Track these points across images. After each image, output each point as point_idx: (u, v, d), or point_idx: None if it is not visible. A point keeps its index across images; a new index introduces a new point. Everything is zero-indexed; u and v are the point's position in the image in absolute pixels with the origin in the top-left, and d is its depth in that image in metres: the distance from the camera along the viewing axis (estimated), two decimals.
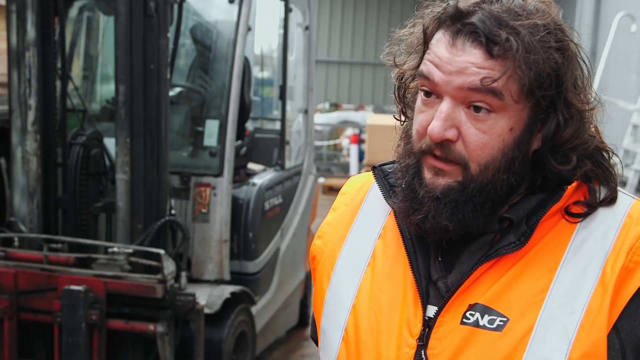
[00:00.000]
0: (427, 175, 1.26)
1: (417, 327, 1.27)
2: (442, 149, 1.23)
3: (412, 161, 1.29)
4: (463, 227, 1.25)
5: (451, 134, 1.22)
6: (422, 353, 1.25)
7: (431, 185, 1.25)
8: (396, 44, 1.38)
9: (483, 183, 1.24)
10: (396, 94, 1.39)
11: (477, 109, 1.21)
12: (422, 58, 1.27)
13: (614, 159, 1.33)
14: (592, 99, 1.28)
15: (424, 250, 1.31)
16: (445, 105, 1.22)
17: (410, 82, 1.36)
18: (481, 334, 1.21)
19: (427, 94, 1.26)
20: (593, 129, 1.29)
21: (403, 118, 1.39)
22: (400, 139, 1.38)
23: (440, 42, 1.24)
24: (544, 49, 1.21)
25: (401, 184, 1.30)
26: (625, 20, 8.62)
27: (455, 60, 1.21)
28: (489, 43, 1.19)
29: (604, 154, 1.30)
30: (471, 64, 1.20)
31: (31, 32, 4.24)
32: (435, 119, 1.23)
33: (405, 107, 1.38)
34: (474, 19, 1.21)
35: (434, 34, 1.26)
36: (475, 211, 1.24)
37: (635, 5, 9.06)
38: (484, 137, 1.22)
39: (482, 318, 1.22)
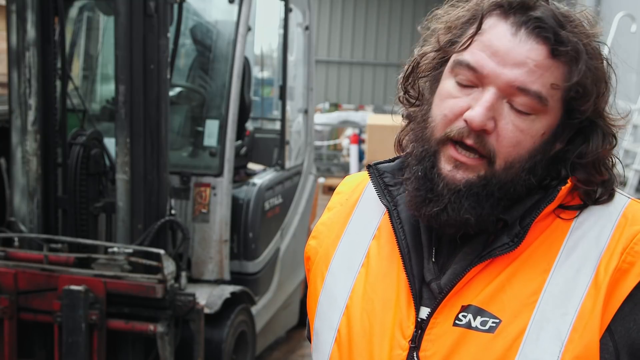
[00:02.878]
0: (446, 167, 1.22)
1: (410, 329, 1.25)
2: (475, 138, 1.19)
3: (432, 148, 1.24)
4: (481, 222, 1.22)
5: (490, 125, 1.19)
6: (415, 355, 1.24)
7: (450, 179, 1.21)
8: (428, 24, 1.32)
9: (505, 180, 1.21)
10: (408, 74, 1.33)
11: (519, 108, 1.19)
12: (469, 41, 1.21)
13: (617, 168, 1.31)
14: (621, 114, 1.28)
15: (418, 251, 1.29)
16: (490, 95, 1.18)
17: (427, 66, 1.30)
18: (473, 336, 1.20)
19: (463, 81, 1.22)
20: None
21: (410, 103, 1.34)
22: (409, 123, 1.33)
23: (497, 29, 1.20)
24: (600, 58, 1.21)
25: (417, 172, 1.25)
26: (625, 20, 8.62)
27: (515, 51, 1.17)
28: (556, 42, 1.17)
29: (609, 160, 1.29)
30: (531, 60, 1.17)
31: (31, 32, 4.24)
32: (479, 106, 1.18)
33: (419, 92, 1.32)
34: (540, 13, 1.18)
35: (485, 20, 1.22)
36: (493, 206, 1.21)
37: (635, 5, 9.06)
38: (520, 135, 1.19)
39: (474, 320, 1.21)
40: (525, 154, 1.21)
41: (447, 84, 1.24)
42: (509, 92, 1.18)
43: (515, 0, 1.20)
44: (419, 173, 1.25)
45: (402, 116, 1.36)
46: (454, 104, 1.22)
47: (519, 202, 1.25)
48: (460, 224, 1.22)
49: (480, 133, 1.19)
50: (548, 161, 1.25)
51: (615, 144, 1.26)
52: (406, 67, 1.35)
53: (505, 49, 1.18)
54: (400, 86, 1.35)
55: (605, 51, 1.26)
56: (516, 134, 1.19)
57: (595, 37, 1.21)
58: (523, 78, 1.17)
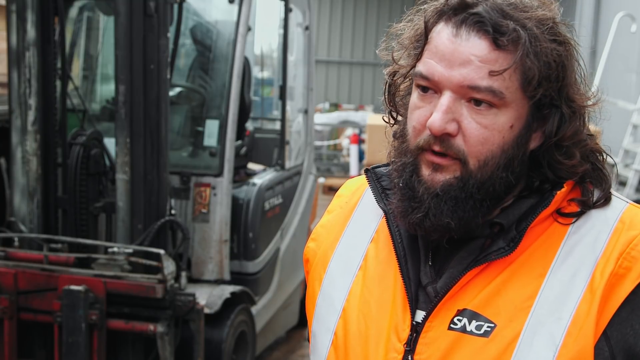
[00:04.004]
0: (425, 172, 1.23)
1: (405, 332, 1.25)
2: (441, 143, 1.20)
3: (409, 159, 1.26)
4: (464, 225, 1.22)
5: (452, 127, 1.19)
6: (410, 358, 1.24)
7: (430, 182, 1.22)
8: (393, 38, 1.34)
9: (482, 180, 1.21)
10: (386, 95, 1.36)
11: (478, 102, 1.19)
12: (420, 54, 1.24)
13: (610, 160, 1.31)
14: (592, 96, 1.26)
15: (415, 254, 1.29)
16: (445, 99, 1.20)
17: (401, 83, 1.33)
18: (468, 340, 1.20)
19: (424, 89, 1.23)
20: (589, 130, 1.28)
21: (392, 121, 1.36)
22: (393, 140, 1.34)
23: (441, 34, 1.21)
24: (549, 41, 1.19)
25: (398, 183, 1.27)
26: (625, 20, 8.62)
27: (458, 50, 1.18)
28: (495, 33, 1.17)
29: (599, 156, 1.29)
30: (475, 57, 1.17)
31: (31, 32, 4.24)
32: (435, 112, 1.20)
33: (396, 109, 1.35)
34: (479, 9, 1.18)
35: (433, 27, 1.23)
36: (475, 209, 1.22)
37: (635, 5, 9.06)
38: (485, 132, 1.20)
39: (469, 324, 1.21)
40: (496, 150, 1.21)
41: (413, 96, 1.26)
42: (462, 93, 1.19)
43: (453, 2, 1.21)
44: (400, 184, 1.26)
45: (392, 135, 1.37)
46: (419, 114, 1.24)
47: (511, 206, 1.25)
48: (443, 228, 1.22)
49: (445, 137, 1.20)
50: (529, 159, 1.25)
51: (581, 126, 1.24)
52: (384, 88, 1.37)
53: (450, 51, 1.19)
54: (384, 105, 1.38)
55: (570, 32, 1.25)
56: (481, 132, 1.20)
57: (545, 18, 1.20)
58: (471, 76, 1.17)
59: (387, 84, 1.35)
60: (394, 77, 1.34)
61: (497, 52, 1.17)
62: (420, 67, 1.23)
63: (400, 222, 1.29)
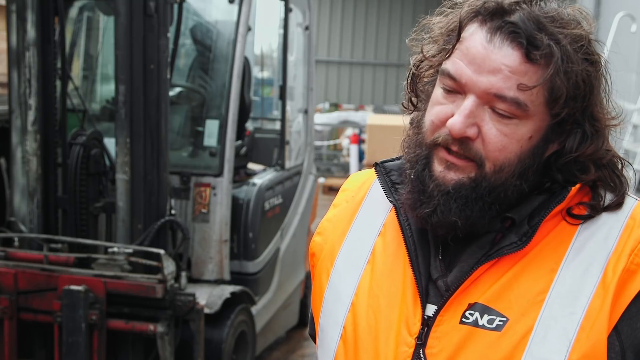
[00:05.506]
0: (438, 168, 1.24)
1: (416, 326, 1.26)
2: (459, 145, 1.21)
3: (423, 152, 1.26)
4: (470, 225, 1.23)
5: (472, 132, 1.20)
6: (421, 352, 1.24)
7: (441, 179, 1.23)
8: (424, 30, 1.34)
9: (495, 184, 1.22)
10: (409, 82, 1.36)
11: (501, 113, 1.20)
12: (450, 51, 1.23)
13: (628, 171, 1.31)
14: (615, 114, 1.27)
15: (425, 248, 1.30)
16: (469, 102, 1.20)
17: (426, 72, 1.33)
18: (480, 334, 1.21)
19: (448, 90, 1.23)
20: (609, 145, 1.28)
21: (412, 108, 1.36)
22: (409, 128, 1.35)
23: (475, 37, 1.21)
24: (581, 61, 1.19)
25: (410, 175, 1.28)
26: (625, 20, 8.61)
27: (490, 58, 1.18)
28: (529, 46, 1.17)
29: (617, 162, 1.29)
30: (505, 66, 1.17)
31: (31, 32, 4.24)
32: (457, 114, 1.20)
33: (417, 95, 1.35)
34: (515, 18, 1.18)
35: (466, 27, 1.23)
36: (483, 210, 1.22)
37: (635, 5, 9.06)
38: (504, 139, 1.20)
39: (481, 318, 1.21)
40: (513, 158, 1.21)
41: (436, 91, 1.26)
42: (487, 99, 1.20)
43: (491, 6, 1.21)
44: (412, 176, 1.27)
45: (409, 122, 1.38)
46: (439, 110, 1.24)
47: (523, 202, 1.26)
48: (449, 225, 1.23)
49: (464, 140, 1.21)
50: (542, 165, 1.26)
51: (602, 144, 1.25)
52: (406, 75, 1.38)
53: (481, 57, 1.19)
54: (404, 93, 1.38)
55: (601, 50, 1.25)
56: (501, 139, 1.20)
57: (580, 37, 1.20)
58: (499, 85, 1.18)
59: (411, 72, 1.35)
60: (418, 67, 1.34)
61: (528, 64, 1.18)
62: (449, 66, 1.23)
63: (409, 214, 1.29)
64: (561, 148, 1.25)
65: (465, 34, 1.22)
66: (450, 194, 1.22)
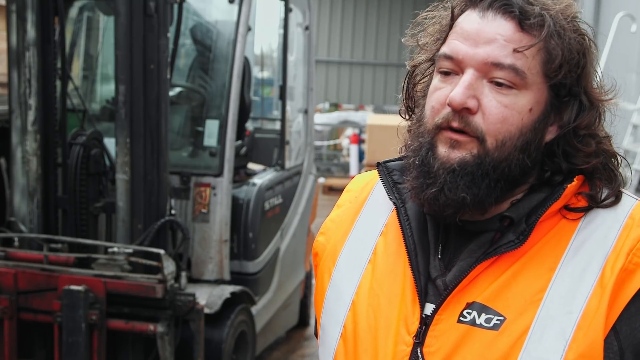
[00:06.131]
0: (442, 149, 1.24)
1: (415, 325, 1.26)
2: (460, 119, 1.22)
3: (426, 139, 1.27)
4: (478, 203, 1.23)
5: (472, 103, 1.22)
6: (419, 351, 1.24)
7: (446, 159, 1.24)
8: (418, 27, 1.37)
9: (499, 159, 1.23)
10: (405, 88, 1.38)
11: (499, 83, 1.22)
12: (444, 38, 1.27)
13: (623, 169, 1.32)
14: (609, 91, 1.29)
15: (425, 248, 1.30)
16: (468, 75, 1.22)
17: (420, 79, 1.35)
18: (477, 333, 1.21)
19: (446, 73, 1.26)
20: (605, 131, 1.30)
21: (407, 116, 1.38)
22: (410, 125, 1.36)
23: (468, 17, 1.25)
24: (572, 30, 1.24)
25: (414, 162, 1.28)
26: (625, 20, 8.61)
27: (484, 30, 1.22)
28: (521, 16, 1.21)
29: (613, 159, 1.30)
30: (500, 36, 1.21)
31: (31, 32, 4.24)
32: (457, 87, 1.22)
33: (414, 103, 1.37)
34: None
35: (459, 16, 1.27)
36: (489, 187, 1.23)
37: (635, 5, 9.05)
38: (505, 110, 1.22)
39: (479, 317, 1.22)
40: (514, 130, 1.23)
41: (434, 80, 1.29)
42: (485, 70, 1.22)
43: None
44: (416, 162, 1.28)
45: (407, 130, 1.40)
46: (439, 94, 1.26)
47: (521, 200, 1.27)
48: (458, 203, 1.23)
49: (464, 113, 1.22)
50: (545, 148, 1.27)
51: (599, 118, 1.28)
52: (403, 80, 1.40)
53: (475, 31, 1.23)
54: (401, 99, 1.40)
55: (585, 28, 1.29)
56: (501, 110, 1.22)
57: (569, 11, 1.25)
58: (495, 53, 1.21)
59: (408, 77, 1.38)
60: (414, 71, 1.37)
61: (522, 33, 1.21)
62: (444, 48, 1.26)
63: (414, 200, 1.30)
64: (561, 130, 1.27)
65: (459, 19, 1.27)
66: (456, 171, 1.23)
